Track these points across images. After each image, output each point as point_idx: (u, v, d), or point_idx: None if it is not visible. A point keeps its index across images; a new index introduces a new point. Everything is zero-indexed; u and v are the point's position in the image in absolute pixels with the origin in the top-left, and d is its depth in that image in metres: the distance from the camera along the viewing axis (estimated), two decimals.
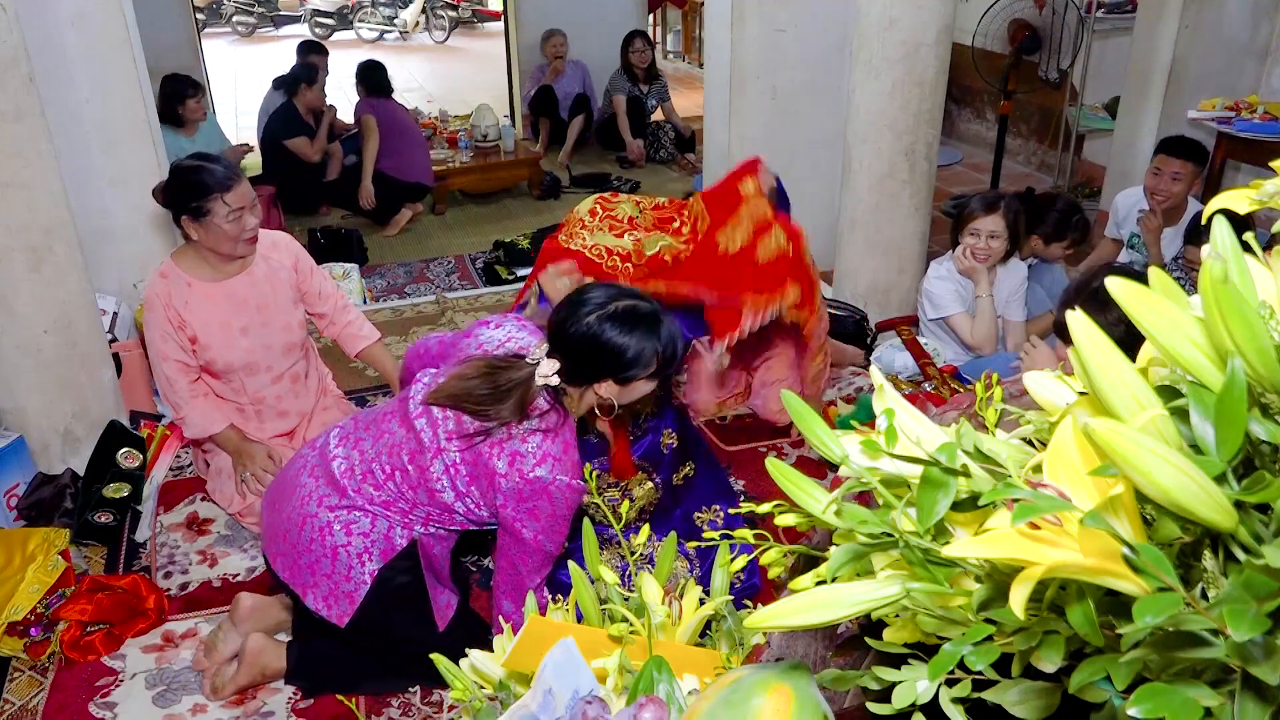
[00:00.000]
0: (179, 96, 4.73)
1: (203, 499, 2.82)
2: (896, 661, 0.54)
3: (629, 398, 1.88)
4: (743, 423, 3.20)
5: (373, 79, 5.41)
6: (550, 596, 1.96)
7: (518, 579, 1.92)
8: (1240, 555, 0.43)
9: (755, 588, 2.29)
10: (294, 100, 5.34)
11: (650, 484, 2.43)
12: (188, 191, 2.39)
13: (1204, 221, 0.56)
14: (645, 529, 1.15)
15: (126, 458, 2.81)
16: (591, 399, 1.88)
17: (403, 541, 1.93)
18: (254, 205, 2.47)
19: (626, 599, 1.00)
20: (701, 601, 1.04)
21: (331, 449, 1.98)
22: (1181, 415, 0.46)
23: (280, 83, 5.49)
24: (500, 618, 1.92)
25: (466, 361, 1.87)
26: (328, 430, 2.07)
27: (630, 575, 2.27)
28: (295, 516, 1.94)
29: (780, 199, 2.53)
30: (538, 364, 1.81)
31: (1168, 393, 0.48)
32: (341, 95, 7.71)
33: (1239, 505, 0.43)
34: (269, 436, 2.70)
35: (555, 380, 1.80)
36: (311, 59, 5.60)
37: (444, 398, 1.83)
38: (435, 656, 1.08)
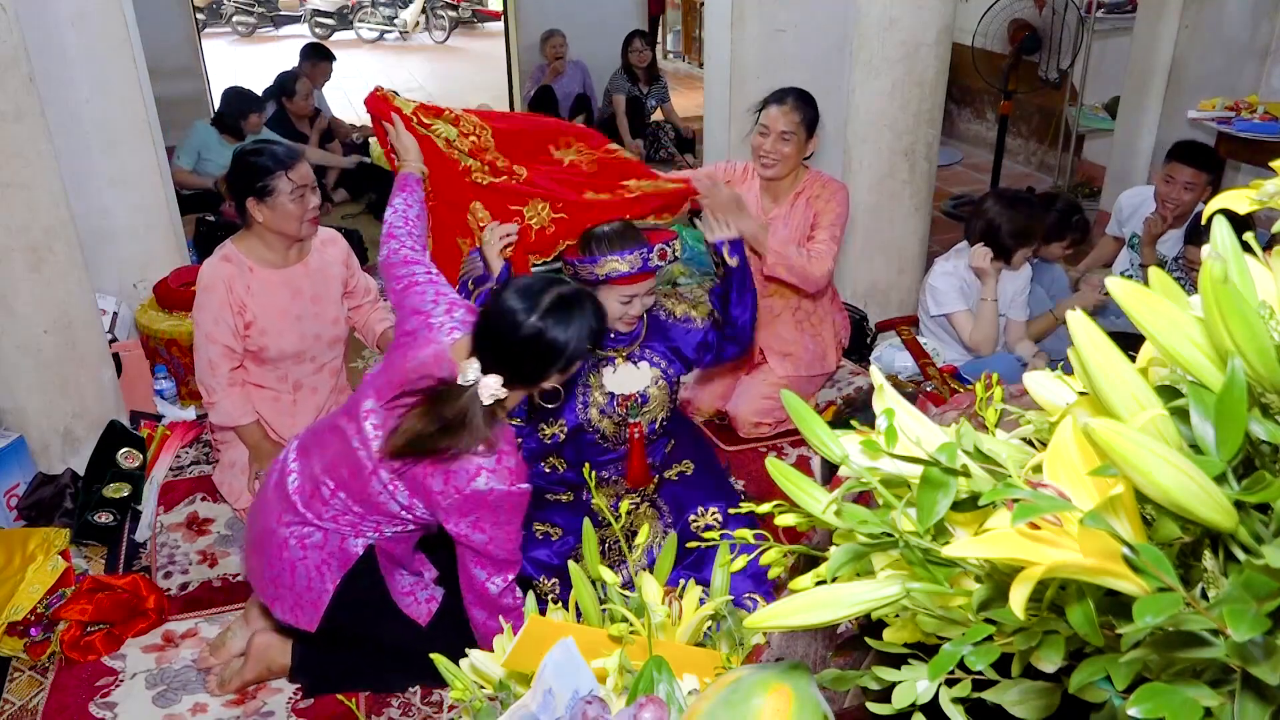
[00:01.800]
0: (244, 113, 4.90)
1: (203, 499, 2.82)
2: (896, 661, 0.54)
3: (565, 378, 1.88)
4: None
5: None
6: (520, 597, 1.93)
7: (480, 586, 1.90)
8: (1240, 555, 0.43)
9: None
10: (285, 109, 5.37)
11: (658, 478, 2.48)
12: (253, 173, 2.46)
13: (1204, 221, 0.56)
14: (645, 529, 1.15)
15: (126, 458, 2.81)
16: (530, 392, 1.86)
17: (359, 549, 1.96)
18: (314, 186, 2.55)
19: (627, 599, 1.00)
20: (701, 601, 1.04)
21: (289, 463, 2.01)
22: (1181, 415, 0.46)
23: (267, 94, 5.52)
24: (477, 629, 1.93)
25: (400, 402, 1.81)
26: (291, 442, 2.09)
27: (620, 549, 2.25)
28: (262, 531, 2.00)
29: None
30: (475, 384, 1.76)
31: (1168, 393, 0.48)
32: (342, 96, 7.73)
33: (1239, 505, 0.43)
34: (298, 432, 2.72)
35: (504, 393, 1.76)
36: (303, 66, 5.62)
37: (401, 450, 1.78)
38: (435, 657, 1.08)
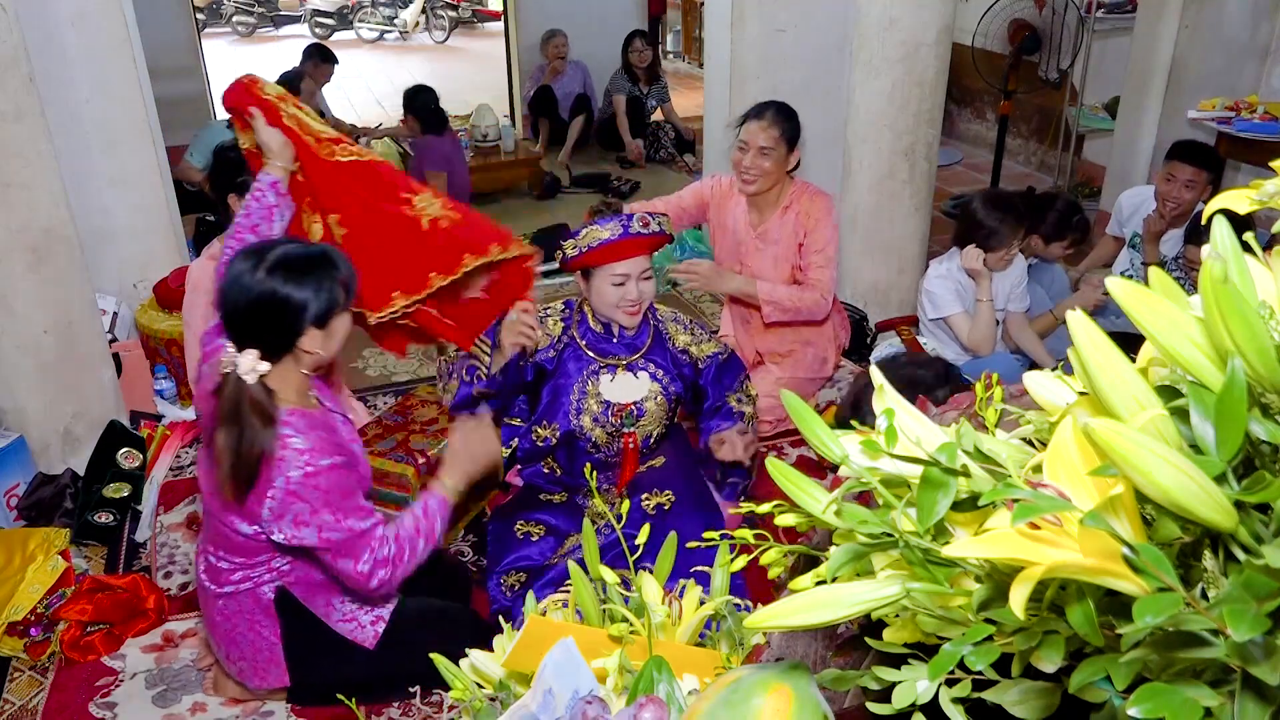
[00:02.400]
0: None
1: None
2: (896, 661, 0.54)
3: (336, 342, 1.79)
4: None
5: (423, 108, 5.12)
6: (402, 564, 1.82)
7: (353, 577, 1.78)
8: (1240, 555, 0.43)
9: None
10: None
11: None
12: (233, 168, 2.46)
13: (1204, 221, 0.56)
14: (646, 528, 1.15)
15: (126, 458, 2.81)
16: (302, 364, 1.77)
17: (270, 594, 1.92)
18: None
19: (627, 599, 1.00)
20: (701, 601, 1.04)
21: (201, 540, 2.01)
22: (1181, 415, 0.46)
23: None
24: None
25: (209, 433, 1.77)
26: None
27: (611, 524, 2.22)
28: (204, 619, 2.03)
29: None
30: (236, 366, 1.67)
31: (1168, 393, 0.48)
32: (342, 96, 7.73)
33: (1239, 505, 0.43)
34: None
35: (265, 367, 1.68)
36: (306, 66, 5.61)
37: (232, 476, 1.70)
38: (435, 657, 1.08)
